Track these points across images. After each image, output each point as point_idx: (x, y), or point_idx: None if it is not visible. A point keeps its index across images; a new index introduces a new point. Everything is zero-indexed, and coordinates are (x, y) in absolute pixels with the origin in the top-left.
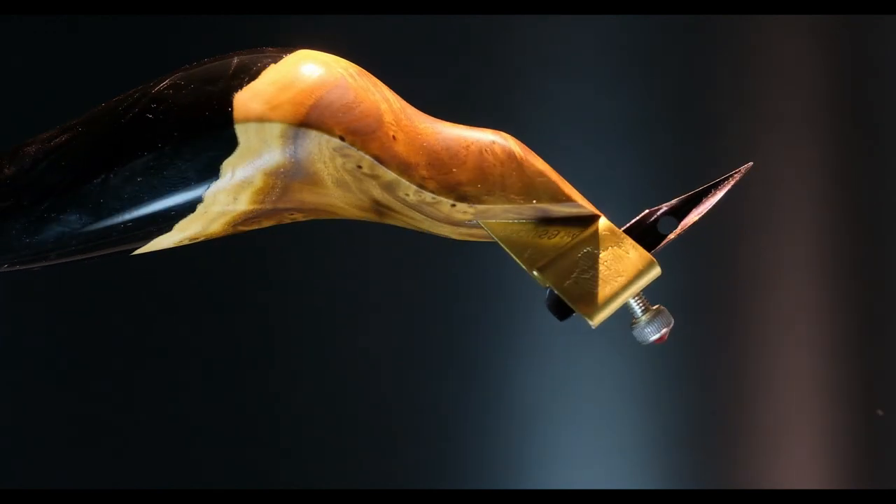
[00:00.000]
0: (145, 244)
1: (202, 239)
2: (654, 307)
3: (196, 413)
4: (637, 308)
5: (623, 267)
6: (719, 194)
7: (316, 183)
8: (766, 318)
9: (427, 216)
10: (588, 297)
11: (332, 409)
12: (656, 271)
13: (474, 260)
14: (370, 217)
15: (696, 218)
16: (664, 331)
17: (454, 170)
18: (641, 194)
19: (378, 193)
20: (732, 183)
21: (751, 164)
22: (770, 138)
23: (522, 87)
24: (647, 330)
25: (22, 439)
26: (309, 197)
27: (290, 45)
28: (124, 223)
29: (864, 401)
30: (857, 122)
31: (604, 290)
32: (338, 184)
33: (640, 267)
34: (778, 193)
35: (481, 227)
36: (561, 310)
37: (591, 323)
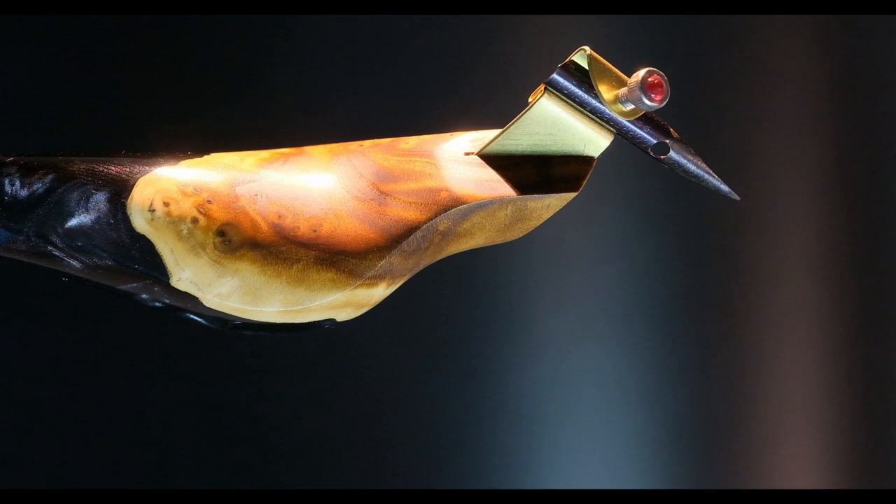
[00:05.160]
0: (150, 168)
1: (205, 196)
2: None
3: (196, 412)
4: (623, 97)
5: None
6: (701, 173)
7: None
8: (766, 318)
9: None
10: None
11: (332, 408)
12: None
13: (475, 260)
14: (371, 207)
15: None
16: (646, 77)
17: None
18: (642, 193)
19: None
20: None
21: (738, 199)
22: (770, 138)
23: (522, 87)
24: (638, 96)
25: (21, 439)
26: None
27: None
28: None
29: (864, 401)
30: (857, 121)
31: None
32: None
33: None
34: (778, 193)
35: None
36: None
37: (582, 49)
